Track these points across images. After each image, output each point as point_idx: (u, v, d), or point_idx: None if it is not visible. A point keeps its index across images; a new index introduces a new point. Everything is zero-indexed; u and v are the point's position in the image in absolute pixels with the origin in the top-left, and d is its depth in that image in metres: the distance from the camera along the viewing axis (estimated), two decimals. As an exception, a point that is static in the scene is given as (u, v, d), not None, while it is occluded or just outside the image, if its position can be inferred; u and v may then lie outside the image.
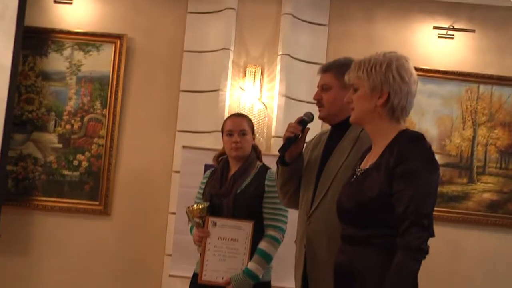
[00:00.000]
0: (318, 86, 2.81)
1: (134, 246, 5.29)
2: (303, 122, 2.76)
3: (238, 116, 3.61)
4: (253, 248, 3.33)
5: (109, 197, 5.27)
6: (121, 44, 5.30)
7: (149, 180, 5.31)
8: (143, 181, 5.31)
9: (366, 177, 2.21)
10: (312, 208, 2.69)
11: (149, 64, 5.41)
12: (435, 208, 2.15)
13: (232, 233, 3.31)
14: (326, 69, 2.80)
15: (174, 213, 4.95)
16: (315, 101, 2.82)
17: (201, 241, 3.36)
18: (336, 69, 2.75)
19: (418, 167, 2.07)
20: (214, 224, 3.34)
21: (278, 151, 2.75)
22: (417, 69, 2.34)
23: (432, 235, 2.08)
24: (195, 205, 3.39)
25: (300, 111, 2.94)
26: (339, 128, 2.77)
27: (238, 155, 3.47)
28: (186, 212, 3.40)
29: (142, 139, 5.36)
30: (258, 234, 3.33)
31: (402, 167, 2.08)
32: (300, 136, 2.75)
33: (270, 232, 3.36)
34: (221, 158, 3.61)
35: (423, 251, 2.03)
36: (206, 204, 3.39)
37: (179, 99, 5.32)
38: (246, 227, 3.30)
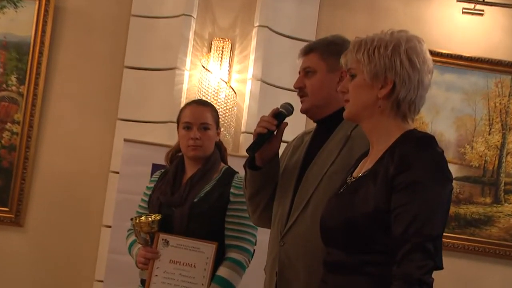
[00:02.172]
0: (300, 71, 2.86)
1: (54, 268, 5.26)
2: (280, 116, 2.79)
3: (200, 105, 3.62)
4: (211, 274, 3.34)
5: (24, 202, 5.28)
6: (47, 1, 5.30)
7: (78, 182, 5.32)
8: (69, 184, 5.32)
9: (359, 187, 2.24)
10: (287, 225, 2.71)
11: (84, 30, 5.41)
12: (446, 234, 2.19)
13: (189, 256, 3.31)
14: (309, 49, 2.84)
15: (109, 227, 4.96)
16: (297, 89, 2.85)
17: (146, 264, 3.37)
18: (322, 48, 2.81)
19: (425, 177, 2.11)
20: (166, 243, 3.34)
21: (247, 150, 2.76)
22: (433, 53, 2.41)
23: (440, 266, 2.09)
24: (143, 217, 3.38)
25: (280, 100, 2.97)
26: (326, 125, 2.81)
27: (196, 155, 3.50)
28: (133, 225, 3.40)
29: (71, 128, 5.36)
30: (218, 256, 3.34)
31: (405, 176, 2.11)
32: (275, 132, 2.78)
33: (233, 254, 3.39)
34: (176, 156, 3.64)
35: (426, 285, 2.04)
36: (158, 216, 3.39)
37: (123, 78, 5.34)
38: (207, 250, 3.31)
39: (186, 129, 3.51)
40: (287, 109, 2.83)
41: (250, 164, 2.85)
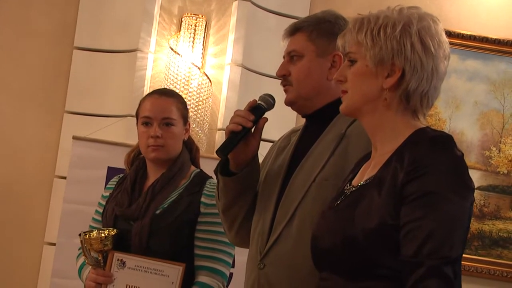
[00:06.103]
0: (284, 56, 2.87)
1: (-14, 294, 5.28)
2: (258, 109, 2.80)
3: (162, 95, 3.62)
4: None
5: None
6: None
7: (15, 189, 5.36)
8: (4, 192, 5.35)
9: (359, 198, 2.24)
10: (268, 244, 2.73)
11: (24, 1, 5.39)
12: (468, 256, 2.18)
13: (149, 281, 3.30)
14: (294, 29, 2.85)
15: (53, 244, 5.00)
16: (280, 78, 2.86)
17: (97, 291, 3.38)
18: (310, 27, 2.82)
19: (441, 185, 2.11)
20: (122, 264, 3.34)
21: (216, 152, 2.77)
22: (452, 34, 2.40)
23: (459, 294, 2.09)
24: (95, 232, 3.37)
25: (265, 91, 2.97)
26: (316, 121, 2.84)
27: (158, 157, 3.50)
28: (81, 242, 3.38)
29: (6, 123, 5.42)
30: (186, 281, 3.33)
31: (417, 185, 2.12)
32: (253, 129, 2.79)
33: (204, 278, 3.40)
34: (138, 158, 3.65)
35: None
36: (113, 230, 3.40)
37: (72, 61, 5.39)
38: (172, 273, 3.30)
39: (145, 125, 3.52)
40: (267, 102, 2.84)
41: (222, 169, 2.85)
